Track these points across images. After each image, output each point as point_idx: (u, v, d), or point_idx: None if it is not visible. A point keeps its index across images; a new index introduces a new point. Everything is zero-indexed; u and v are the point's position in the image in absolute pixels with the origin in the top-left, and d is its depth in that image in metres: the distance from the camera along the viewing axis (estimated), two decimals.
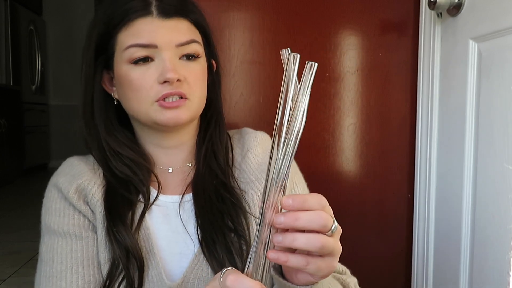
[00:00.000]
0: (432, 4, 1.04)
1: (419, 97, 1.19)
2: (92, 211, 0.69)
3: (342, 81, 1.22)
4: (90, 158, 0.76)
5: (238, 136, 0.82)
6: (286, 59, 0.43)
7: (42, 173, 5.04)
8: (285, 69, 0.43)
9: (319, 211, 0.43)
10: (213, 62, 0.78)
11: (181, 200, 0.73)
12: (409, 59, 1.21)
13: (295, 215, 0.42)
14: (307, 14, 1.20)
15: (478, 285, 0.98)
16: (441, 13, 1.10)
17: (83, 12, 5.50)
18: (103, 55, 0.71)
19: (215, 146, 0.75)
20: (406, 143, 1.24)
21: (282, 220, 0.42)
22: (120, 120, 0.75)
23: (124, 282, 0.65)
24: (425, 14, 1.15)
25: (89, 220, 0.69)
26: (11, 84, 4.39)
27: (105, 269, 0.66)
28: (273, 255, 0.43)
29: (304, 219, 0.42)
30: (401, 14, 1.21)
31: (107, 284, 0.65)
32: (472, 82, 0.98)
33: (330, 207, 0.46)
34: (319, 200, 0.44)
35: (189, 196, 0.73)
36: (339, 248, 0.47)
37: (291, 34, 1.19)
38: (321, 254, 0.45)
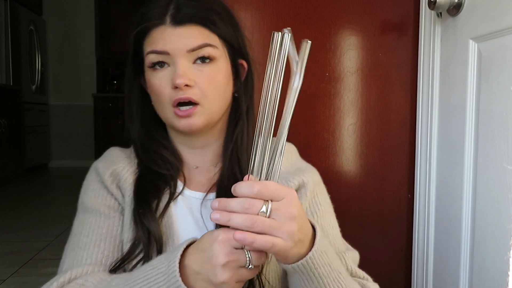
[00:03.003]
0: (432, 4, 1.04)
1: (419, 97, 1.19)
2: (123, 194, 0.75)
3: (342, 81, 1.22)
4: (129, 149, 0.82)
5: None
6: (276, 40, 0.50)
7: (42, 173, 5.04)
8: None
9: (244, 199, 0.50)
10: (242, 62, 0.78)
11: (204, 198, 0.75)
12: (409, 59, 1.21)
13: (227, 207, 0.50)
14: (307, 14, 1.20)
15: (478, 285, 0.98)
16: (441, 13, 1.10)
17: (83, 12, 5.50)
18: (137, 60, 0.76)
19: (238, 150, 0.77)
20: (406, 143, 1.24)
21: (217, 216, 0.50)
22: (158, 120, 0.79)
23: (142, 262, 0.68)
24: (425, 14, 1.15)
25: (118, 203, 0.75)
26: (11, 84, 4.40)
27: (127, 247, 0.70)
28: (239, 236, 0.49)
29: (231, 207, 0.50)
30: (401, 14, 1.21)
31: (125, 258, 0.69)
32: (472, 82, 0.98)
33: (273, 187, 0.51)
34: (247, 188, 0.50)
35: (212, 195, 0.76)
36: (283, 230, 0.50)
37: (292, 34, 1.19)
38: (258, 232, 0.50)
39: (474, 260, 0.99)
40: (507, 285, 0.86)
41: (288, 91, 0.50)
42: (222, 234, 0.52)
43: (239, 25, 0.77)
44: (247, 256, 0.51)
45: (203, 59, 0.70)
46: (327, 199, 0.80)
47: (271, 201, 0.50)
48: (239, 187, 0.51)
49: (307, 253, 0.55)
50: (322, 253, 0.56)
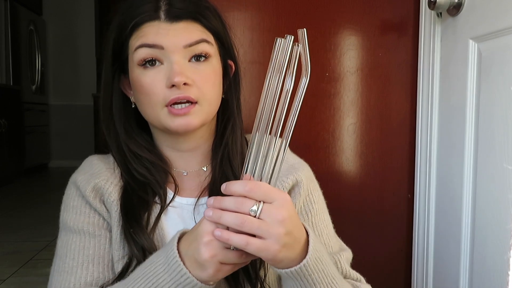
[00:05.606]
0: (432, 4, 1.04)
1: (419, 97, 1.19)
2: (108, 210, 0.70)
3: (342, 81, 1.22)
4: (110, 157, 0.76)
5: None
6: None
7: (42, 173, 5.04)
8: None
9: (236, 197, 0.52)
10: (231, 63, 0.77)
11: (196, 203, 0.73)
12: (409, 59, 1.21)
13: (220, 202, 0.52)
14: (307, 14, 1.20)
15: (478, 285, 0.98)
16: (441, 13, 1.10)
17: (83, 12, 5.50)
18: (119, 60, 0.72)
19: (230, 152, 0.74)
20: (406, 143, 1.24)
21: (210, 214, 0.52)
22: (139, 123, 0.76)
23: None
24: (425, 14, 1.15)
25: (103, 219, 0.71)
26: (11, 84, 4.39)
27: (119, 266, 0.67)
28: (217, 233, 0.52)
29: (224, 204, 0.52)
30: (401, 14, 1.21)
31: (119, 279, 0.66)
32: (472, 82, 0.98)
33: (266, 188, 0.52)
34: (240, 186, 0.52)
35: (204, 200, 0.73)
36: (271, 232, 0.51)
37: (291, 34, 1.19)
38: (247, 231, 0.51)
39: (474, 260, 0.99)
40: (507, 285, 0.86)
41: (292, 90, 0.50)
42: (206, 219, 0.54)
43: (226, 24, 0.75)
44: None
45: (199, 57, 0.67)
46: (321, 196, 0.79)
47: (263, 202, 0.51)
48: (232, 185, 0.52)
49: (299, 259, 0.55)
50: (316, 260, 0.56)
